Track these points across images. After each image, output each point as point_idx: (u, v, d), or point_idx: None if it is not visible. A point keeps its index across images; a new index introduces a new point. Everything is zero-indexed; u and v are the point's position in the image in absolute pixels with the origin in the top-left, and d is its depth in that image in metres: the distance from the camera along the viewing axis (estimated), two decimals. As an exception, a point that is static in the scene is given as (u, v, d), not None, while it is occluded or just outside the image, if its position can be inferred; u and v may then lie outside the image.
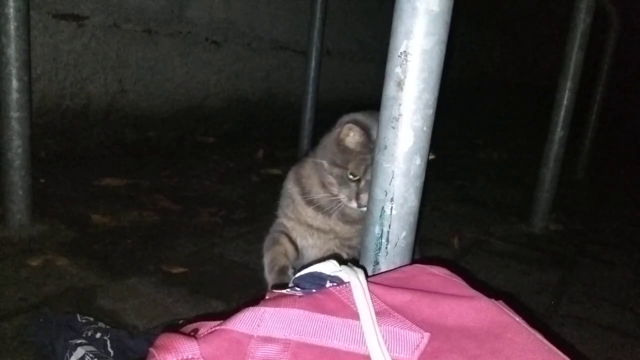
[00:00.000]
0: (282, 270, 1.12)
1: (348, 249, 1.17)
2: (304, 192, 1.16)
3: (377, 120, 1.05)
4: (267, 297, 0.61)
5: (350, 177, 1.06)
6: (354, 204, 1.07)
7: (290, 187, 1.20)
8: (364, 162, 1.04)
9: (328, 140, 1.13)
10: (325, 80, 2.89)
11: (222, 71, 2.86)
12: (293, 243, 1.21)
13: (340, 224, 1.15)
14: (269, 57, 3.14)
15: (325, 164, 1.10)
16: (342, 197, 1.08)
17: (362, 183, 1.05)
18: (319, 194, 1.13)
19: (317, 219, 1.16)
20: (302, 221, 1.18)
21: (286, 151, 2.75)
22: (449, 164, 3.06)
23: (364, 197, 1.04)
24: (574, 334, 1.21)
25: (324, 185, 1.12)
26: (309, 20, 2.37)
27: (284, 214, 1.23)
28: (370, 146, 1.04)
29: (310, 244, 1.20)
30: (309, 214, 1.16)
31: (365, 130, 1.04)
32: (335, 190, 1.09)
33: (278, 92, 3.29)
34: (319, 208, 1.15)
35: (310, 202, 1.15)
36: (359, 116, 1.09)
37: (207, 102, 2.82)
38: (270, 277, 1.14)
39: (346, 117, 1.10)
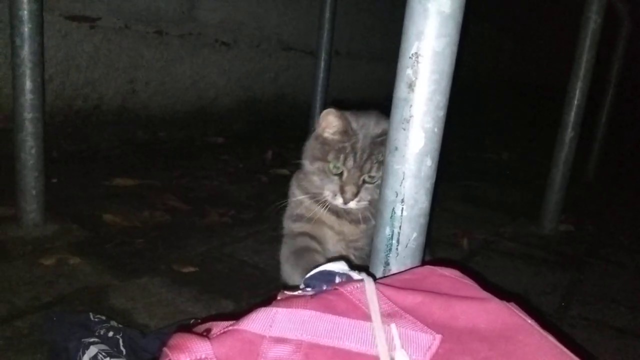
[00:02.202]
0: (310, 255, 1.07)
1: (354, 250, 1.12)
2: (309, 194, 1.12)
3: (363, 116, 1.04)
4: (278, 298, 0.61)
5: (332, 169, 1.00)
6: (339, 200, 1.00)
7: (296, 193, 1.15)
8: (343, 151, 0.99)
9: (309, 140, 1.09)
10: (335, 81, 2.89)
11: (232, 72, 2.87)
12: (318, 242, 1.15)
13: (346, 223, 1.10)
14: (278, 58, 3.15)
15: (306, 163, 1.06)
16: (327, 193, 1.02)
17: (345, 175, 0.99)
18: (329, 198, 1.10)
19: (331, 220, 1.11)
20: (319, 220, 1.12)
21: (295, 152, 2.75)
22: (458, 165, 3.05)
23: (349, 190, 0.98)
24: (584, 336, 1.21)
25: (310, 193, 1.08)
26: (318, 21, 2.37)
27: (299, 217, 1.15)
28: (350, 134, 0.99)
29: (326, 235, 1.14)
30: (322, 213, 1.11)
31: (344, 117, 1.00)
32: (319, 188, 1.04)
33: (287, 93, 3.29)
34: (332, 211, 1.10)
35: (317, 202, 1.11)
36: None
37: (217, 103, 2.84)
38: (296, 269, 1.06)
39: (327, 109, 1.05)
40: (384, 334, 0.54)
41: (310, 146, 1.06)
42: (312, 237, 1.14)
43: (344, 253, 1.13)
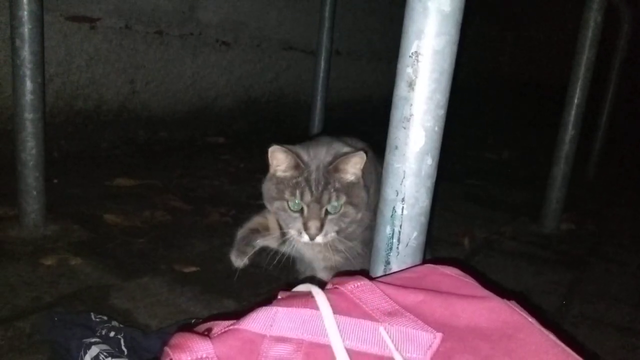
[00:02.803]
0: (252, 233, 1.07)
1: (336, 252, 1.07)
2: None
3: (312, 146, 1.01)
4: (279, 297, 0.61)
5: (291, 206, 0.96)
6: (305, 238, 0.96)
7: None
8: (298, 187, 0.95)
9: (265, 179, 1.05)
10: (335, 81, 2.90)
11: (232, 72, 2.87)
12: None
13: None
14: (278, 57, 3.15)
15: (267, 205, 1.03)
16: (292, 232, 0.98)
17: (306, 210, 0.95)
18: None
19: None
20: None
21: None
22: (458, 164, 3.05)
23: (312, 226, 0.94)
24: (585, 334, 1.21)
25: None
26: (318, 21, 2.37)
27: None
28: (302, 167, 0.96)
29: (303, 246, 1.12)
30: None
31: (291, 151, 0.96)
32: (285, 227, 1.00)
33: (288, 93, 3.29)
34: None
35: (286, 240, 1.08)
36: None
37: (218, 103, 2.84)
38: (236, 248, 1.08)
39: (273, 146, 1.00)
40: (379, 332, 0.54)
41: (267, 187, 1.02)
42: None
43: (328, 255, 1.08)
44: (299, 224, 0.96)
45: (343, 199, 0.96)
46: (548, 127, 2.60)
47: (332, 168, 0.96)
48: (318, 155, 0.99)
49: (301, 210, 0.96)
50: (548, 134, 2.41)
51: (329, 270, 1.09)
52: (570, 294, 1.43)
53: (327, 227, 0.96)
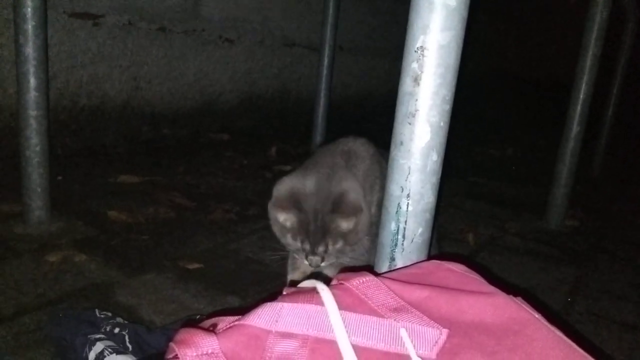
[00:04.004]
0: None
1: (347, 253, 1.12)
2: None
3: (312, 179, 1.01)
4: (284, 293, 0.61)
5: (292, 243, 1.02)
6: (307, 265, 1.04)
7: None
8: (299, 235, 0.99)
9: (270, 204, 1.06)
10: (338, 77, 2.89)
11: (236, 68, 2.87)
12: None
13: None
14: (282, 54, 3.15)
15: (273, 230, 1.06)
16: (299, 257, 1.05)
17: (307, 247, 0.99)
18: None
19: None
20: None
21: (299, 148, 2.76)
22: (463, 161, 3.04)
23: (312, 260, 1.00)
24: (591, 331, 1.20)
25: None
26: (322, 17, 2.36)
27: None
28: (301, 219, 0.98)
29: None
30: None
31: (290, 206, 0.99)
32: (291, 252, 1.08)
33: (291, 89, 3.29)
34: None
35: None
36: (287, 181, 1.03)
37: (221, 99, 2.84)
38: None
39: (276, 188, 1.02)
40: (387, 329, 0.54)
41: (272, 219, 1.05)
42: None
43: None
44: (301, 255, 1.02)
45: (340, 243, 0.99)
46: (553, 124, 2.59)
47: (330, 219, 0.98)
48: (318, 196, 0.99)
49: (302, 249, 1.01)
50: (552, 130, 2.40)
51: (335, 266, 1.10)
52: (575, 290, 1.43)
53: (327, 259, 1.01)
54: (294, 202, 0.99)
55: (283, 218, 1.01)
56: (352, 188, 0.99)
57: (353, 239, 1.00)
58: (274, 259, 1.17)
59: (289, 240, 1.02)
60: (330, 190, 1.00)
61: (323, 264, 1.01)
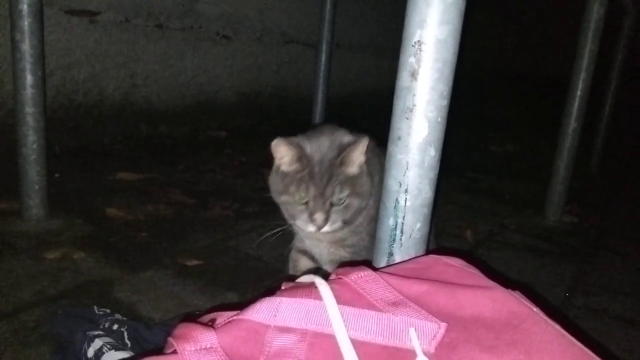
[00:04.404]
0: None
1: (344, 247, 1.10)
2: None
3: (315, 137, 1.01)
4: (283, 288, 0.61)
5: (297, 200, 0.97)
6: (311, 228, 0.98)
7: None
8: (303, 181, 0.96)
9: (271, 175, 1.05)
10: (336, 74, 2.89)
11: (233, 65, 2.86)
12: (310, 256, 1.18)
13: (321, 233, 1.05)
14: (279, 50, 3.14)
15: (274, 197, 1.03)
16: (299, 222, 1.00)
17: (311, 204, 0.96)
18: None
19: (302, 231, 1.09)
20: (298, 229, 1.12)
21: (298, 145, 2.75)
22: (462, 157, 3.04)
23: (318, 218, 0.96)
24: (589, 326, 1.21)
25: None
26: (320, 13, 2.36)
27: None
28: (306, 161, 0.97)
29: (310, 243, 1.16)
30: (295, 226, 1.09)
31: (295, 145, 0.97)
32: (291, 219, 1.02)
33: (289, 86, 3.29)
34: None
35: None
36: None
37: (219, 97, 2.83)
38: None
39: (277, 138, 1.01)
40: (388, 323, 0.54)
41: (273, 181, 1.03)
42: (303, 251, 1.18)
43: (334, 250, 1.11)
44: (305, 216, 0.97)
45: (347, 191, 0.97)
46: (551, 120, 2.60)
47: (337, 162, 0.96)
48: (321, 147, 0.99)
49: (307, 203, 0.97)
50: (551, 127, 2.40)
51: (334, 263, 1.10)
52: (573, 286, 1.43)
53: (332, 217, 0.98)
54: (298, 145, 0.97)
55: (287, 158, 0.98)
56: (356, 139, 0.98)
57: (359, 190, 0.98)
58: (267, 237, 1.13)
59: (291, 193, 0.97)
60: (334, 141, 1.00)
61: (327, 227, 0.97)
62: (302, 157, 0.97)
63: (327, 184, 0.95)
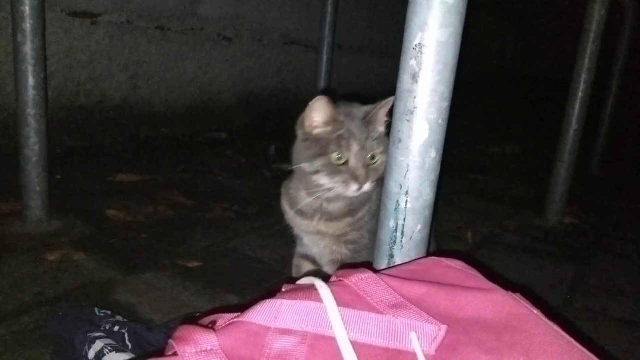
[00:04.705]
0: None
1: (346, 244, 1.10)
2: (292, 203, 1.11)
3: (338, 105, 1.02)
4: (283, 290, 0.61)
5: (335, 160, 0.97)
6: (354, 187, 0.96)
7: (282, 200, 1.15)
8: (342, 138, 0.96)
9: (297, 143, 1.06)
10: (337, 75, 2.88)
11: (234, 67, 2.86)
12: (312, 260, 1.19)
13: (323, 222, 1.08)
14: (280, 52, 3.14)
15: (305, 165, 1.01)
16: (338, 186, 0.97)
17: (353, 161, 0.96)
18: (304, 201, 1.06)
19: (304, 225, 1.10)
20: (298, 229, 1.14)
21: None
22: (462, 158, 3.04)
23: (361, 175, 0.95)
24: (589, 328, 1.21)
25: (309, 192, 1.04)
26: (321, 15, 2.36)
27: (289, 225, 1.17)
28: (340, 120, 0.97)
29: (310, 242, 1.15)
30: (297, 222, 1.11)
31: (332, 104, 0.97)
32: (328, 184, 0.99)
33: (290, 88, 3.29)
34: (302, 214, 1.09)
35: (297, 212, 1.10)
36: None
37: (220, 98, 2.83)
38: None
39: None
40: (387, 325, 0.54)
41: (303, 147, 1.02)
42: (305, 256, 1.19)
43: (335, 248, 1.10)
44: (345, 176, 0.97)
45: (382, 147, 0.99)
46: (552, 121, 2.60)
47: (367, 120, 0.99)
48: (348, 110, 1.02)
49: (345, 163, 0.97)
50: (552, 128, 2.40)
51: (335, 263, 1.10)
52: (573, 287, 1.43)
53: (370, 176, 0.98)
54: (334, 106, 0.99)
55: (325, 117, 0.98)
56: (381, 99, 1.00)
57: (385, 151, 0.97)
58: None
59: (330, 153, 0.97)
60: (354, 106, 1.04)
61: (367, 186, 0.97)
62: (338, 117, 0.98)
63: (366, 140, 0.97)
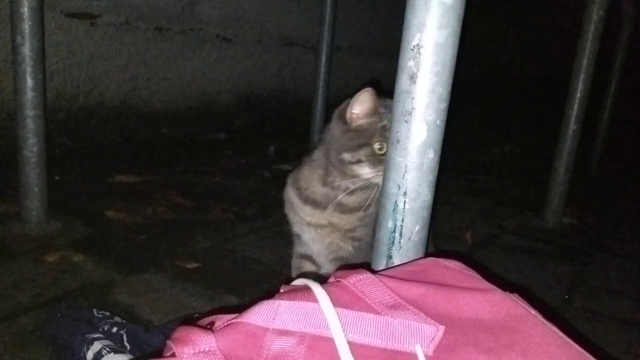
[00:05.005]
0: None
1: (352, 240, 1.10)
2: (301, 193, 1.11)
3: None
4: (281, 291, 0.61)
5: (377, 151, 0.99)
6: None
7: (289, 191, 1.14)
8: (386, 129, 0.97)
9: (334, 133, 1.06)
10: (336, 76, 2.89)
11: (233, 68, 2.86)
12: (311, 259, 1.18)
13: (337, 214, 1.08)
14: (279, 53, 3.14)
15: (347, 156, 1.02)
16: (379, 176, 0.98)
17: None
18: (319, 191, 1.08)
19: (314, 215, 1.10)
20: (303, 221, 1.13)
21: (297, 147, 2.76)
22: (460, 158, 3.04)
23: None
24: (588, 328, 1.21)
25: (325, 182, 1.06)
26: (320, 16, 2.36)
27: (291, 220, 1.17)
28: (382, 112, 0.99)
29: (312, 238, 1.14)
30: (306, 212, 1.10)
31: (375, 92, 0.99)
32: (369, 173, 1.01)
33: (289, 88, 3.29)
34: (315, 204, 1.09)
35: (307, 201, 1.09)
36: None
37: (219, 99, 2.83)
38: None
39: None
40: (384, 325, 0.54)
41: (346, 138, 1.03)
42: (305, 256, 1.18)
43: (341, 244, 1.10)
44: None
45: None
46: (551, 122, 2.60)
47: None
48: (386, 103, 1.01)
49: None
50: (550, 128, 2.41)
51: (336, 262, 1.10)
52: (572, 287, 1.43)
53: None
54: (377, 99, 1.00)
55: (370, 108, 0.99)
56: None
57: None
58: None
59: (374, 143, 0.98)
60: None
61: None
62: (380, 109, 0.99)
63: None
